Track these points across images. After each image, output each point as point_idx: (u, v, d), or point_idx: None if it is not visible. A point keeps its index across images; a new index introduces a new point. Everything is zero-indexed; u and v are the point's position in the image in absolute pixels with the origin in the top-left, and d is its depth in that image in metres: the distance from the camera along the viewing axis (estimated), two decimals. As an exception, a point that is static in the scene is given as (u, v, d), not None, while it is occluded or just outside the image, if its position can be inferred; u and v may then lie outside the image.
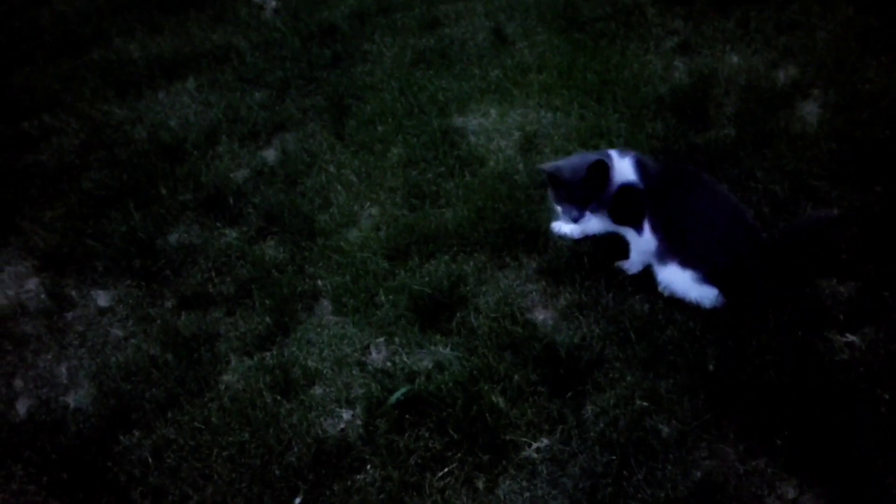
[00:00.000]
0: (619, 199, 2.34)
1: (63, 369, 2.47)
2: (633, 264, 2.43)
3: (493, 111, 3.18)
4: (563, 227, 2.56)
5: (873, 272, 2.27)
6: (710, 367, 2.12)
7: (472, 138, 3.06)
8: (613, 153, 2.37)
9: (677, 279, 2.28)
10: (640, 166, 2.33)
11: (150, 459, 2.16)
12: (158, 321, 2.55)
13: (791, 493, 1.87)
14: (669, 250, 2.28)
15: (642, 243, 2.35)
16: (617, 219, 2.40)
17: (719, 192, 2.31)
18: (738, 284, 2.22)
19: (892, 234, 2.34)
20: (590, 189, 2.29)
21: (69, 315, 2.64)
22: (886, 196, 2.46)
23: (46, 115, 3.54)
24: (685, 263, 2.25)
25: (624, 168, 2.33)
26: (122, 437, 2.23)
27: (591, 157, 2.31)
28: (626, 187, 2.32)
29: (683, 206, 2.28)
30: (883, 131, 2.66)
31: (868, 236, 2.36)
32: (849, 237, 2.37)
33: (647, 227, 2.32)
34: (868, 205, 2.45)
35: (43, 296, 2.70)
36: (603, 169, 2.28)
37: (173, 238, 2.85)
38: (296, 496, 2.04)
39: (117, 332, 2.55)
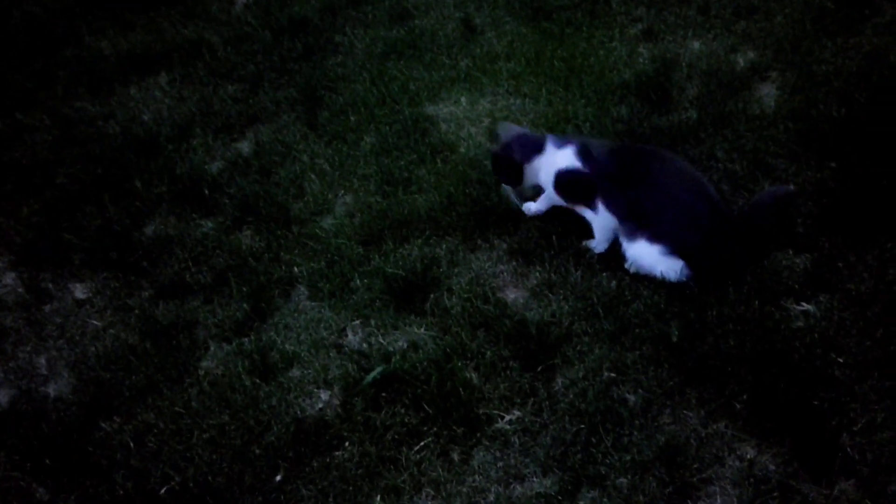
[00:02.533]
0: (561, 183, 2.51)
1: (42, 360, 2.50)
2: (598, 243, 2.50)
3: (463, 99, 3.24)
4: (532, 205, 2.66)
5: (828, 244, 2.36)
6: (674, 339, 2.21)
7: (443, 126, 3.13)
8: (550, 140, 2.55)
9: (646, 254, 2.34)
10: (581, 152, 2.47)
11: (131, 444, 2.20)
12: (136, 311, 2.59)
13: (750, 453, 1.95)
14: (638, 227, 2.36)
15: (600, 220, 2.44)
16: (567, 198, 2.54)
17: (682, 168, 2.40)
18: (704, 255, 2.31)
19: (846, 208, 2.44)
20: (503, 172, 2.64)
21: (47, 308, 2.66)
22: (840, 172, 2.56)
23: (19, 113, 3.55)
24: (653, 238, 2.32)
25: (561, 156, 2.49)
26: (102, 424, 2.26)
27: (531, 137, 2.62)
28: (565, 172, 2.48)
29: (647, 184, 2.36)
30: (838, 109, 2.76)
31: (823, 211, 2.46)
32: (805, 211, 2.47)
33: (600, 205, 2.41)
34: (823, 180, 2.55)
35: (20, 289, 2.73)
36: (503, 159, 2.59)
37: (149, 230, 2.88)
38: (276, 474, 2.10)
39: (95, 322, 2.59)
